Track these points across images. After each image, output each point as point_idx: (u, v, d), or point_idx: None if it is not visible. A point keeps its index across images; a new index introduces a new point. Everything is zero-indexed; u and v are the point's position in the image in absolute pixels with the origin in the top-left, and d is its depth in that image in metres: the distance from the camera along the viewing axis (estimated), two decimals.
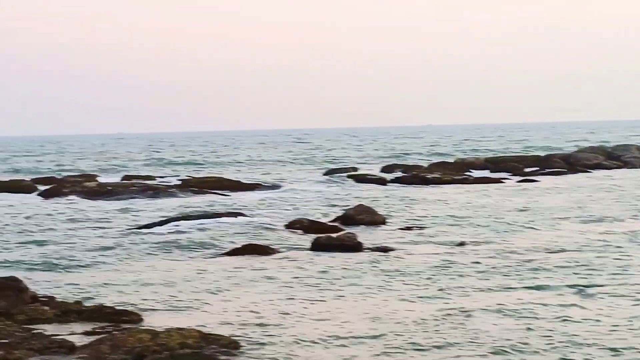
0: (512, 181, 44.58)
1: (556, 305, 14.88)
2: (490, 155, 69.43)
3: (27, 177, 54.01)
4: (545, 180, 44.30)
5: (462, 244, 22.31)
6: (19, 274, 17.50)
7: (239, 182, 46.80)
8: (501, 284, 16.82)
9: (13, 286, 15.24)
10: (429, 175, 46.60)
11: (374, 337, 13.04)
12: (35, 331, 13.20)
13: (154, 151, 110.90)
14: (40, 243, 24.46)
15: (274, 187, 44.66)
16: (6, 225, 29.18)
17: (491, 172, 51.90)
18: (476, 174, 50.07)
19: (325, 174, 53.21)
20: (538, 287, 16.46)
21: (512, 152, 78.06)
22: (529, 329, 13.31)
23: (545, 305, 14.87)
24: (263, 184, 46.56)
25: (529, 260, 19.39)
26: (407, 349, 12.39)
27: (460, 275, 17.89)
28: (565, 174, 48.82)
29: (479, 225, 26.19)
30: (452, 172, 49.84)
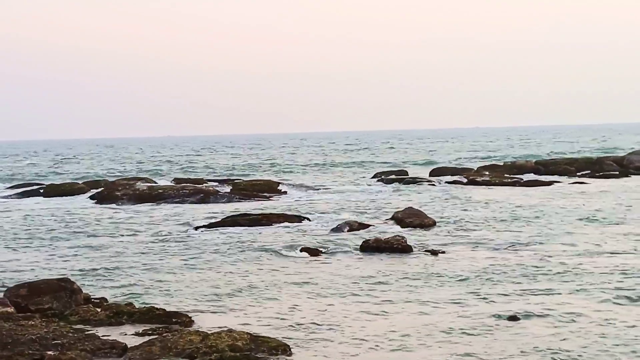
0: (562, 184, 44.13)
1: (603, 310, 14.75)
2: (541, 157, 68.71)
3: (80, 180, 54.78)
4: (596, 183, 43.82)
5: (510, 246, 22.18)
6: (72, 276, 17.79)
7: (289, 185, 47.01)
8: (548, 288, 16.69)
9: (66, 288, 15.47)
10: (479, 178, 46.40)
11: (422, 344, 13.02)
12: (87, 332, 13.39)
13: (203, 154, 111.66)
14: (91, 245, 24.79)
15: (324, 189, 44.75)
16: (59, 228, 29.62)
17: (542, 174, 51.49)
18: (526, 176, 49.68)
19: (374, 177, 53.19)
20: (584, 292, 16.30)
21: (563, 154, 77.29)
22: (577, 334, 13.20)
23: (592, 310, 14.75)
24: (313, 186, 46.70)
25: (577, 264, 19.22)
26: (456, 356, 12.35)
27: (508, 279, 17.79)
28: (618, 177, 48.22)
29: (527, 228, 26.00)
30: (502, 174, 49.55)
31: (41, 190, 46.82)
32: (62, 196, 43.91)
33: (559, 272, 18.35)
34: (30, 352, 11.98)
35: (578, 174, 50.86)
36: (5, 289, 16.35)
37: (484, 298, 15.99)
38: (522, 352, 12.34)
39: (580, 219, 27.86)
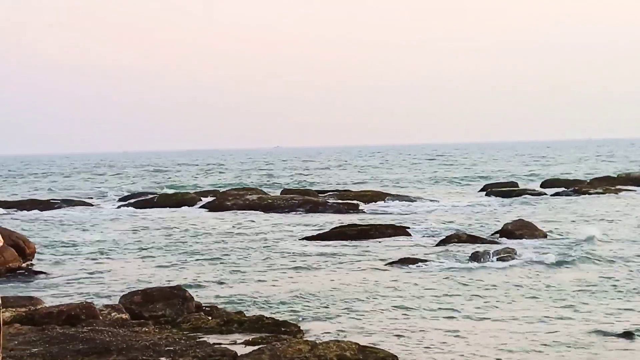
0: None
1: None
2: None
3: (192, 190, 55.80)
4: None
5: (623, 260, 21.66)
6: (183, 284, 18.13)
7: (396, 196, 46.90)
8: None
9: (179, 295, 15.78)
10: (592, 191, 45.45)
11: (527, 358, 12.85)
12: (199, 339, 13.62)
13: (304, 166, 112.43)
14: (201, 254, 25.21)
15: (433, 201, 44.51)
16: (170, 237, 30.23)
17: None
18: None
19: (482, 189, 52.63)
20: None
21: None
22: None
23: None
24: (422, 198, 46.50)
25: None
26: None
27: (620, 294, 17.39)
28: None
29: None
30: (615, 187, 48.40)
31: (155, 200, 47.79)
32: (174, 207, 44.62)
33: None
34: (143, 358, 12.24)
35: None
36: (120, 295, 16.77)
37: (596, 313, 15.65)
38: None
39: None
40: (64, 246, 27.89)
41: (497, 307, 16.40)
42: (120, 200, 51.59)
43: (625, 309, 15.89)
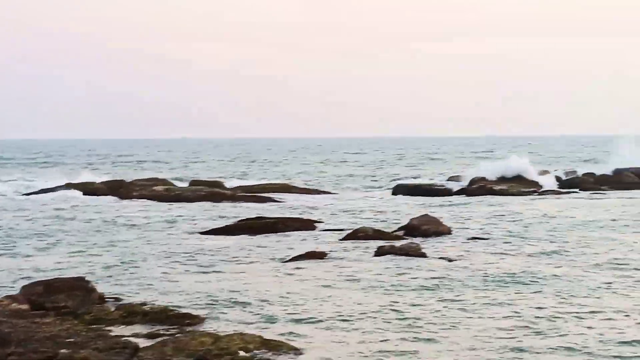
0: (581, 195, 44.00)
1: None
2: (560, 167, 68.28)
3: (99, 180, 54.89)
4: (615, 195, 43.57)
5: (528, 255, 22.14)
6: (87, 275, 17.87)
7: (303, 189, 47.11)
8: (569, 293, 16.68)
9: (81, 286, 15.58)
10: (496, 187, 46.26)
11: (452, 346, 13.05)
12: (101, 331, 13.46)
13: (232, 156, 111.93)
14: (106, 245, 24.91)
15: (338, 195, 44.77)
16: (74, 227, 29.76)
17: (560, 185, 51.19)
18: (545, 187, 49.49)
19: (390, 184, 53.14)
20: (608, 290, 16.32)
21: (584, 164, 76.75)
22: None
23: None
24: (327, 192, 46.75)
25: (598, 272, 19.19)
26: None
27: (519, 285, 17.78)
28: (638, 188, 47.71)
29: (543, 237, 25.91)
30: (520, 184, 49.36)
31: (57, 189, 46.83)
32: (79, 196, 43.89)
33: (570, 281, 18.34)
34: (43, 349, 12.06)
35: (596, 184, 50.53)
36: (21, 286, 16.45)
37: (502, 305, 15.97)
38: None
39: (593, 230, 27.77)
40: None
41: (400, 296, 16.59)
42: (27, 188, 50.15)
43: (528, 300, 16.25)
